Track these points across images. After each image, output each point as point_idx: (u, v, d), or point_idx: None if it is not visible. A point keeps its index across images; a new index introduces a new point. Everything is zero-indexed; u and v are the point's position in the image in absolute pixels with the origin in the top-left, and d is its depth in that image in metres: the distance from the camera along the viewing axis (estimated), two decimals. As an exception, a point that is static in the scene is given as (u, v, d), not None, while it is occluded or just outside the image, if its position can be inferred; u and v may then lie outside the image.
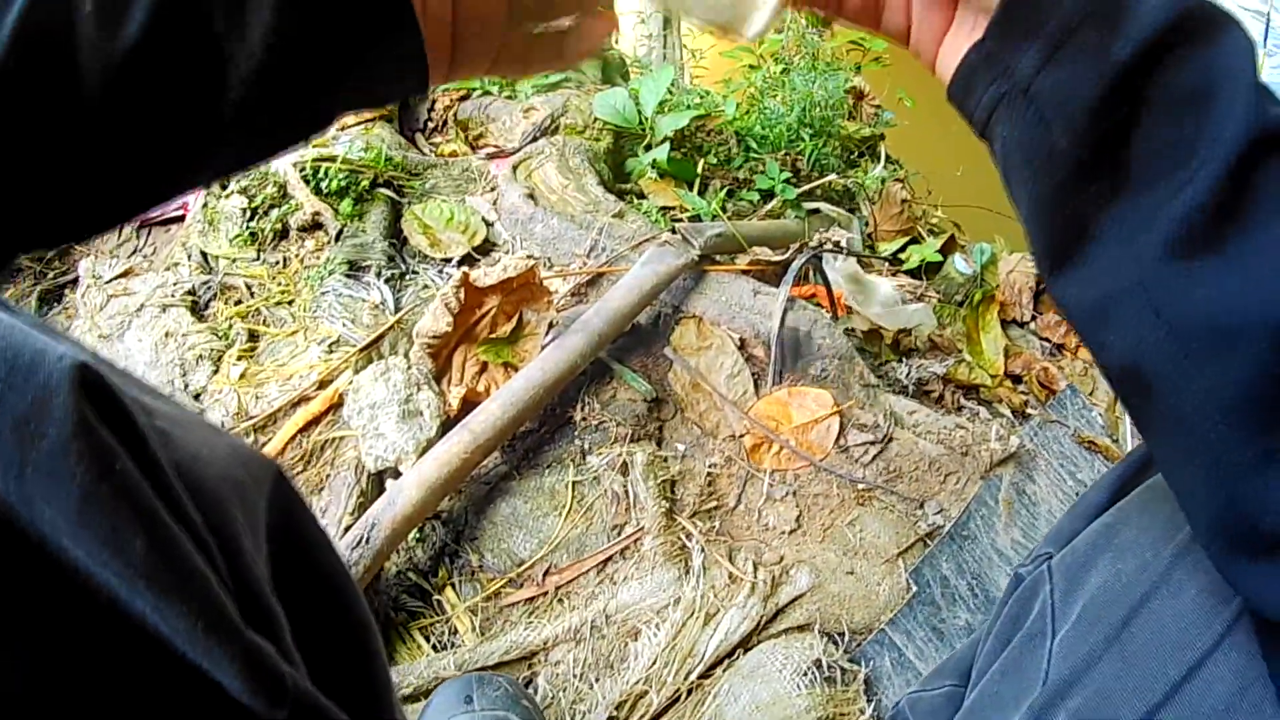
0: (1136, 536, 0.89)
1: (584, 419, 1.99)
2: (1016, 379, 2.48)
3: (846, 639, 1.72)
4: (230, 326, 2.21)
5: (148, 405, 0.64)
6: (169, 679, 0.49)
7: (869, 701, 1.64)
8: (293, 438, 1.93)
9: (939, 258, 2.75)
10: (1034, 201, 0.72)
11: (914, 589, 1.78)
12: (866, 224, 2.85)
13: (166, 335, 2.17)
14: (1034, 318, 2.73)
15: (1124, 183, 0.66)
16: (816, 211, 2.70)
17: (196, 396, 2.06)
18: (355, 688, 0.83)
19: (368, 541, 1.62)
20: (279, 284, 2.32)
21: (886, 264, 2.76)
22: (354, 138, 2.60)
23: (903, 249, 2.82)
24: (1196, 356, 0.64)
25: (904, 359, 2.33)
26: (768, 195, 2.70)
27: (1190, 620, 0.77)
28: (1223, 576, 0.72)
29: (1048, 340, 2.68)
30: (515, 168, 2.55)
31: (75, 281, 2.46)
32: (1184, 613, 0.78)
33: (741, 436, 2.00)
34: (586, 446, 1.96)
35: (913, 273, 2.78)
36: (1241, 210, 0.62)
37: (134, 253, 2.58)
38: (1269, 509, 0.63)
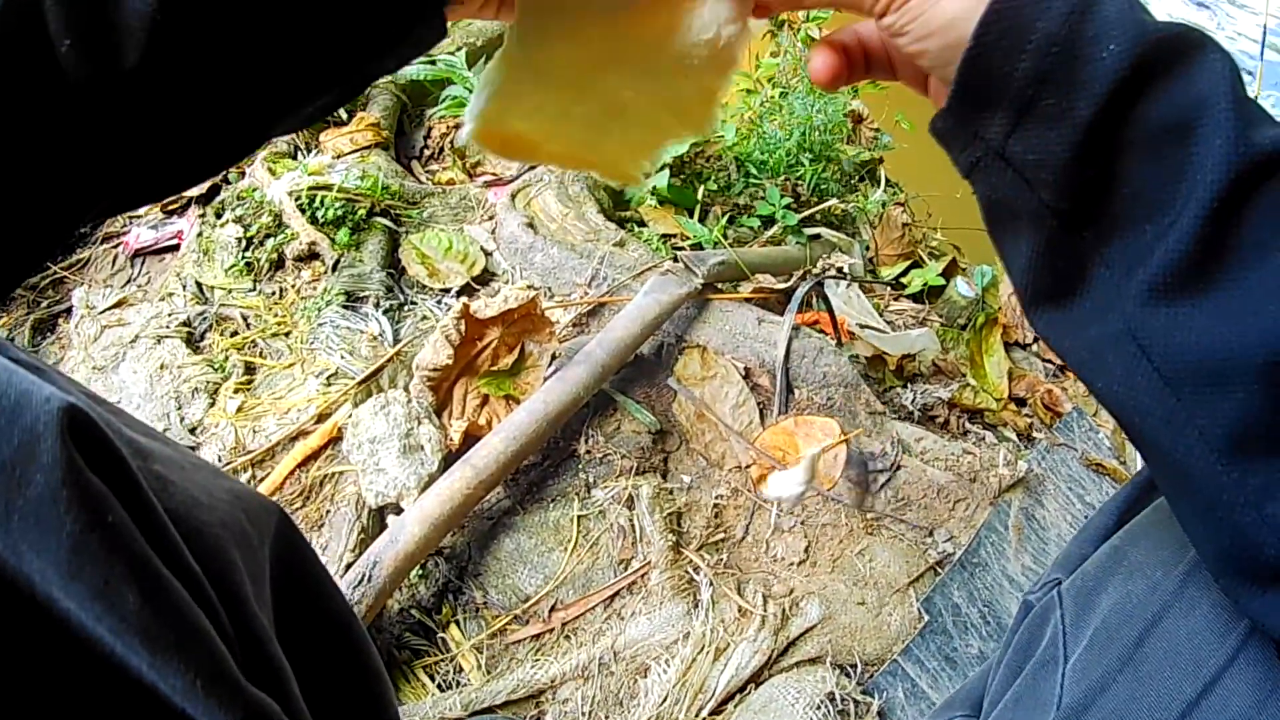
0: (1146, 557, 0.89)
1: (588, 452, 1.96)
2: (1021, 402, 2.47)
3: (859, 670, 1.70)
4: (226, 358, 2.19)
5: (144, 448, 0.63)
6: None
7: (883, 734, 1.62)
8: (291, 473, 1.90)
9: (941, 281, 2.74)
10: (1022, 253, 0.72)
11: (926, 618, 1.76)
12: (868, 248, 2.84)
13: (161, 367, 2.14)
14: (1036, 339, 2.72)
15: (1110, 229, 0.66)
16: (818, 237, 2.69)
17: (192, 430, 2.03)
18: None
19: (370, 580, 1.59)
20: (275, 315, 2.29)
21: (889, 289, 2.74)
22: (350, 166, 2.57)
23: (904, 273, 2.81)
24: (1188, 399, 0.63)
25: (908, 384, 2.31)
26: (768, 221, 2.69)
27: (1204, 637, 0.77)
28: (1235, 606, 0.73)
29: (1051, 362, 2.66)
30: (514, 196, 2.53)
31: (69, 311, 2.43)
32: (1197, 630, 0.77)
33: (748, 467, 1.97)
34: (591, 480, 1.93)
35: (915, 297, 2.76)
36: (1226, 249, 0.62)
37: (128, 282, 2.55)
38: (1271, 542, 0.62)
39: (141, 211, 2.69)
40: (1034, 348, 2.71)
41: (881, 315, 2.55)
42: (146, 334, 2.23)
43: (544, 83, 0.84)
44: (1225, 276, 0.62)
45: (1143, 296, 0.64)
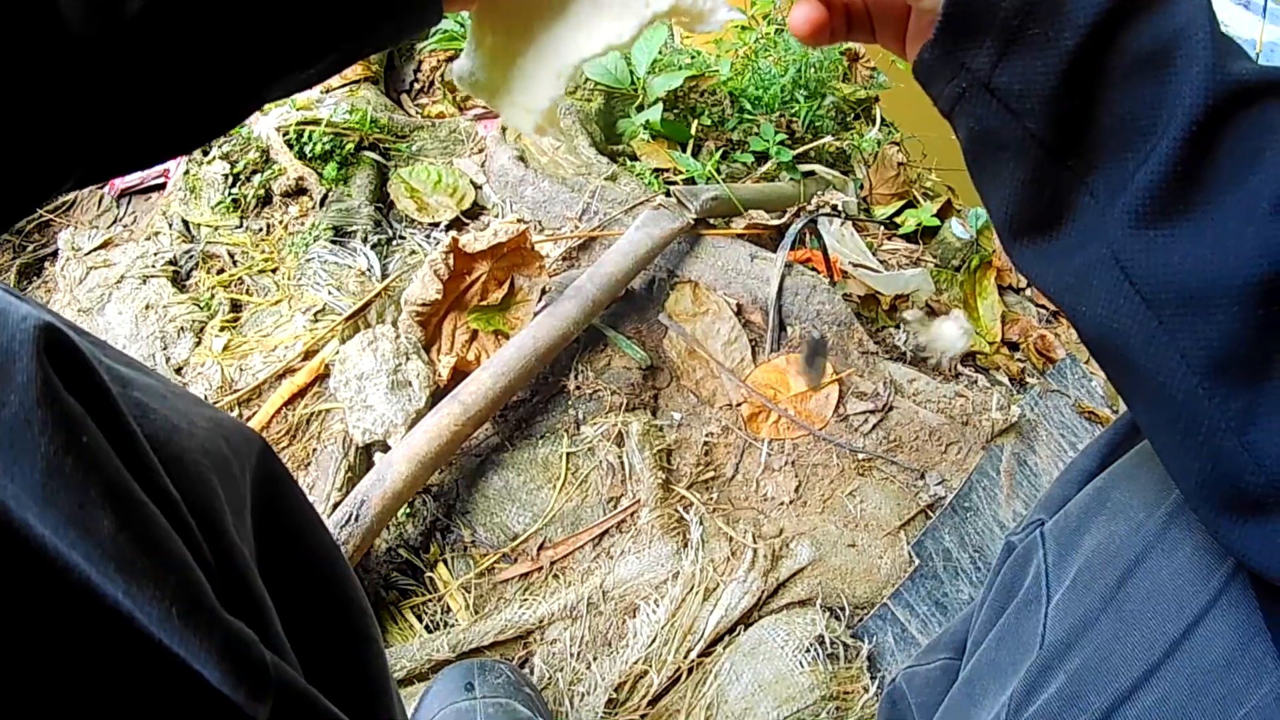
0: (1129, 499, 0.89)
1: (578, 388, 1.94)
2: (1014, 346, 2.45)
3: (848, 613, 1.69)
4: (213, 297, 2.16)
5: (124, 375, 0.61)
6: (147, 666, 0.45)
7: (872, 678, 1.62)
8: (278, 411, 1.88)
9: (936, 222, 2.71)
10: (1006, 185, 0.74)
11: (916, 562, 1.75)
12: (862, 187, 2.81)
13: (147, 307, 2.11)
14: (1031, 284, 2.70)
15: (1093, 158, 0.68)
16: (811, 174, 2.66)
17: (178, 370, 2.01)
18: (348, 673, 0.80)
19: (357, 519, 1.57)
20: (262, 252, 2.26)
21: (882, 228, 2.71)
22: (339, 100, 2.54)
23: (898, 213, 2.78)
24: (1170, 323, 0.65)
25: (901, 325, 2.29)
26: (762, 157, 2.66)
27: (1187, 577, 0.77)
28: (1215, 538, 0.72)
29: (1044, 307, 2.65)
30: (504, 129, 2.49)
31: (55, 254, 2.40)
32: (1180, 570, 0.78)
33: (739, 405, 1.96)
34: (580, 416, 1.92)
35: (908, 237, 2.73)
36: (1204, 174, 0.63)
37: (114, 223, 2.52)
38: (1250, 468, 0.63)
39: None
40: (1028, 292, 2.70)
41: (875, 254, 2.53)
42: (132, 274, 2.20)
43: (499, 33, 0.85)
44: (1203, 201, 0.63)
45: (1125, 221, 0.66)
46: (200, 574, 0.50)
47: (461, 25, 2.99)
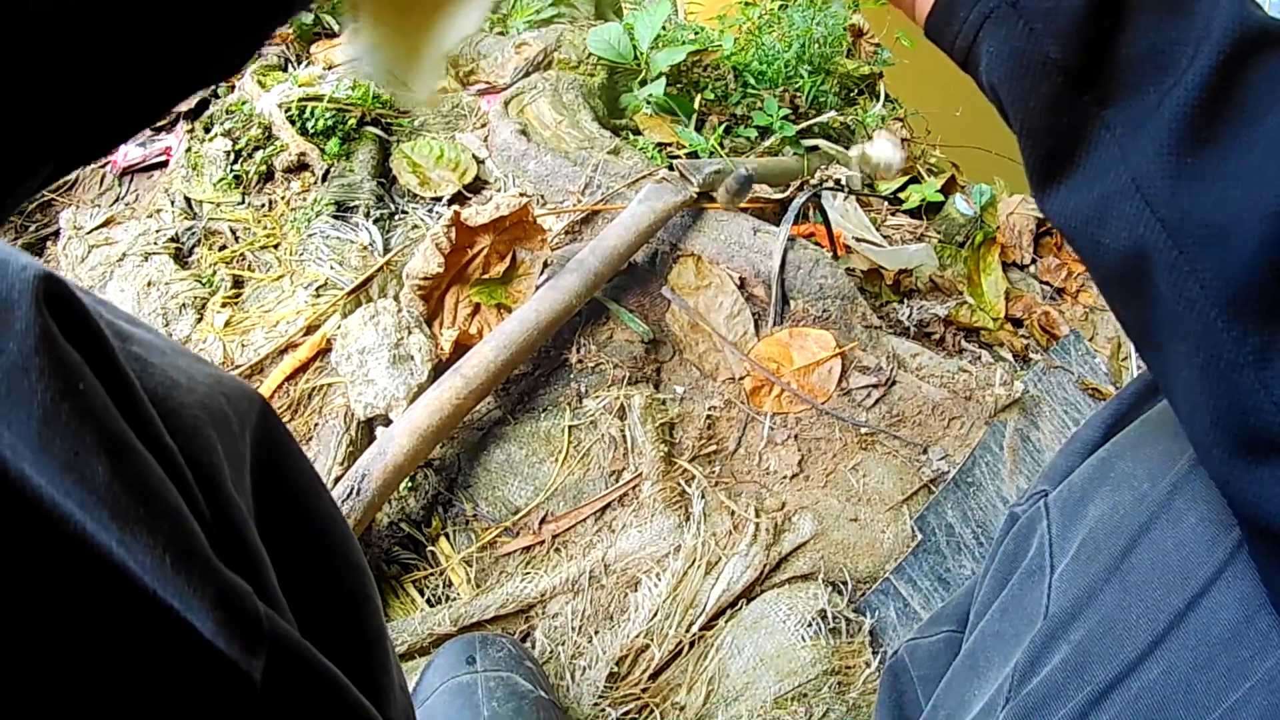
0: (1133, 469, 0.88)
1: (580, 361, 1.94)
2: (1017, 323, 2.45)
3: (850, 588, 1.69)
4: (215, 273, 2.16)
5: (124, 330, 0.61)
6: (141, 619, 0.44)
7: (874, 653, 1.61)
8: (280, 385, 1.88)
9: (940, 197, 2.71)
10: (1027, 115, 0.73)
11: (919, 537, 1.74)
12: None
13: (149, 284, 2.11)
14: (1034, 261, 2.70)
15: (1115, 87, 0.67)
16: (815, 149, 2.65)
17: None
18: (344, 632, 0.79)
19: (358, 493, 1.57)
20: (264, 227, 2.26)
21: (886, 204, 2.71)
22: (341, 76, 2.53)
23: (903, 188, 2.77)
24: (1191, 251, 0.63)
25: (905, 300, 2.29)
26: (766, 132, 2.65)
27: (1192, 549, 0.76)
28: (1223, 491, 0.71)
29: (1048, 284, 2.64)
30: (507, 104, 2.48)
31: (57, 234, 2.41)
32: (1185, 541, 0.77)
33: (741, 379, 1.95)
34: (583, 389, 1.91)
35: (913, 213, 2.73)
36: (1230, 107, 0.63)
37: (116, 201, 2.53)
38: (1267, 406, 0.62)
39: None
40: (1032, 269, 2.69)
41: (878, 230, 2.52)
42: (134, 252, 2.20)
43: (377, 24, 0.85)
44: (1229, 133, 0.62)
45: (1149, 153, 0.65)
46: (195, 524, 0.49)
47: None
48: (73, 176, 2.62)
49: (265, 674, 0.50)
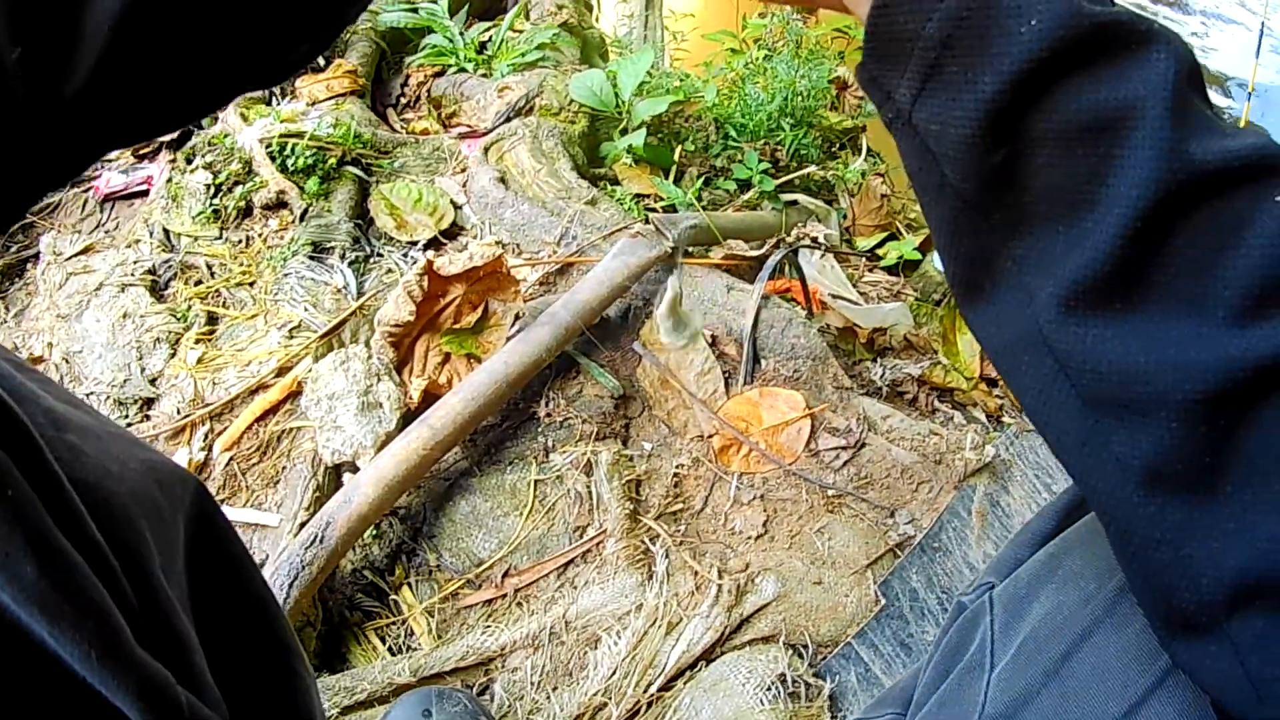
0: (1081, 567, 0.86)
1: (548, 415, 1.94)
2: (992, 382, 2.45)
3: (812, 651, 1.68)
4: (189, 308, 2.16)
5: (61, 417, 0.63)
6: (78, 702, 0.48)
7: (833, 718, 1.60)
8: (249, 426, 1.88)
9: (917, 255, 2.72)
10: (936, 230, 0.66)
11: (882, 601, 1.74)
12: (845, 217, 2.82)
13: (124, 316, 2.11)
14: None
15: (1021, 223, 0.60)
16: (794, 203, 2.66)
17: (152, 381, 2.01)
18: (277, 710, 0.81)
19: (322, 540, 1.57)
20: (240, 264, 2.26)
21: (864, 260, 2.72)
22: (324, 113, 2.54)
23: (881, 245, 2.79)
24: (1106, 423, 0.58)
25: (879, 359, 2.29)
26: (745, 185, 2.67)
27: (1134, 655, 0.74)
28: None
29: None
30: (487, 149, 2.50)
31: (37, 256, 2.41)
32: (1127, 648, 0.75)
33: (710, 437, 1.96)
34: (550, 444, 1.91)
35: (890, 269, 2.74)
36: (1150, 270, 0.56)
37: (97, 228, 2.53)
38: (1185, 584, 0.58)
39: (112, 155, 2.67)
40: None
41: (855, 286, 2.53)
42: (111, 281, 2.21)
43: None
44: (1146, 300, 0.56)
45: (1053, 309, 0.58)
46: (119, 617, 0.51)
47: (450, 40, 3.00)
48: (55, 199, 2.63)
49: None
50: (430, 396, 1.84)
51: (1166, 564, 0.58)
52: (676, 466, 1.92)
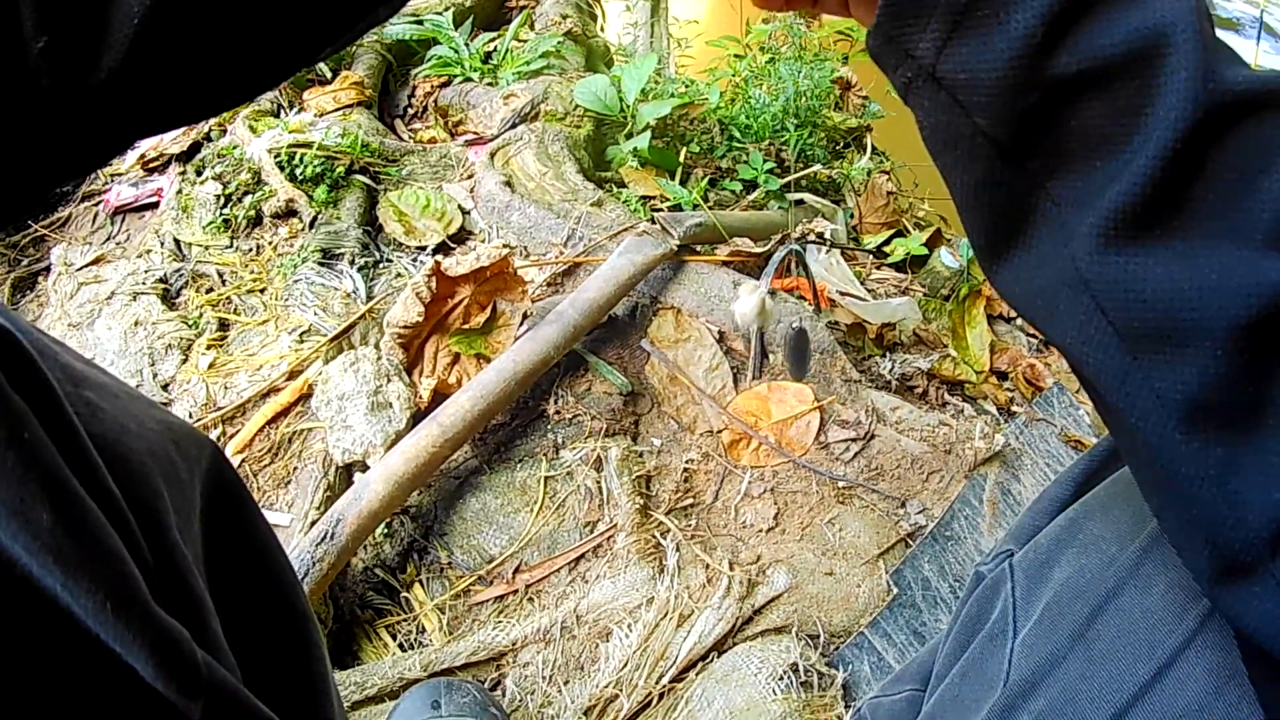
0: (1101, 531, 0.85)
1: (557, 412, 1.95)
2: (1002, 375, 2.45)
3: (824, 642, 1.68)
4: (200, 315, 2.18)
5: (78, 373, 0.62)
6: (86, 661, 0.46)
7: (846, 707, 1.60)
8: (261, 429, 1.89)
9: (924, 251, 2.71)
10: (965, 188, 0.65)
11: (895, 591, 1.74)
12: (851, 216, 2.82)
13: (136, 324, 2.12)
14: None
15: (1058, 162, 0.59)
16: (801, 202, 2.67)
17: (165, 386, 2.02)
18: (289, 677, 0.80)
19: (333, 537, 1.58)
20: (251, 272, 2.28)
21: (871, 257, 2.72)
22: (331, 124, 2.56)
23: (887, 242, 2.78)
24: (1144, 359, 0.57)
25: (888, 353, 2.29)
26: (751, 185, 2.67)
27: (1160, 617, 0.73)
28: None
29: (1034, 336, 2.64)
30: (493, 155, 2.51)
31: (48, 269, 2.43)
32: (1153, 609, 0.74)
33: (719, 432, 1.96)
34: (560, 441, 1.92)
35: (898, 266, 2.74)
36: (1188, 196, 0.55)
37: (107, 239, 2.55)
38: (1230, 522, 0.56)
39: (122, 169, 2.69)
40: (1017, 321, 2.69)
41: (863, 283, 2.53)
42: (123, 290, 2.22)
43: None
44: (1186, 226, 0.55)
45: (1093, 242, 0.57)
46: (135, 570, 0.50)
47: (456, 51, 3.02)
48: (66, 213, 2.65)
49: (204, 717, 0.51)
50: (440, 396, 1.85)
51: (1210, 501, 0.57)
52: (686, 461, 1.92)
